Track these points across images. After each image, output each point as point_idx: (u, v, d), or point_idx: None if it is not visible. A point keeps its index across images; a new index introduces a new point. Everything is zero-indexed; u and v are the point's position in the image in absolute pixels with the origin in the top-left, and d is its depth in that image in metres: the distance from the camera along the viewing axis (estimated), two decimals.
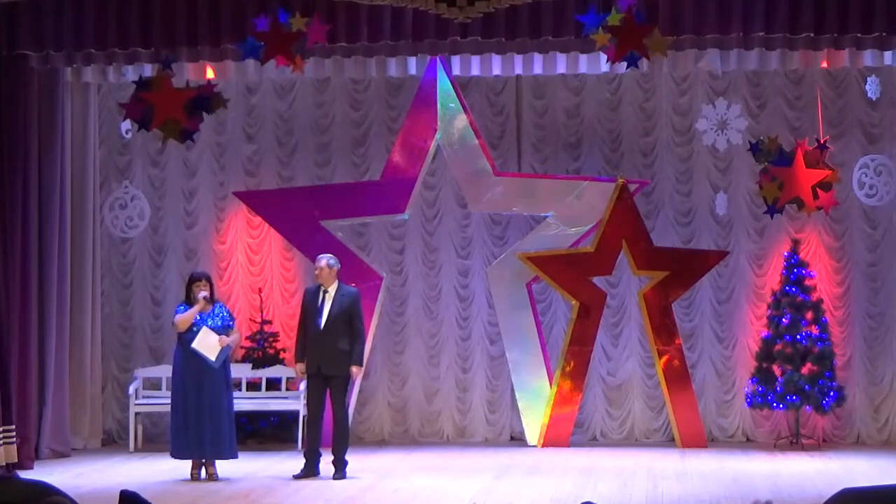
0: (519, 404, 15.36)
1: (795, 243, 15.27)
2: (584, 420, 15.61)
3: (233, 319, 13.17)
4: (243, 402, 14.62)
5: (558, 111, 15.80)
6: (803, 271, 15.07)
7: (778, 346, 14.86)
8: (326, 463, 12.99)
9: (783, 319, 14.91)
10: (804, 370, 14.74)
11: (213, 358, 12.69)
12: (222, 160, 15.98)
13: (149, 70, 13.41)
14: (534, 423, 15.19)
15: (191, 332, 12.75)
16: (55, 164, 14.36)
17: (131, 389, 15.11)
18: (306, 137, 15.93)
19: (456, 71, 15.01)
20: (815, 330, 14.87)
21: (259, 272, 15.96)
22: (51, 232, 14.32)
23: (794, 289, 14.97)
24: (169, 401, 13.26)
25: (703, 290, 15.55)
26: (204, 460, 12.90)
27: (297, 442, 14.65)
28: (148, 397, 15.21)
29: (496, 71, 14.74)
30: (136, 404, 15.04)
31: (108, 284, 15.88)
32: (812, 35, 13.02)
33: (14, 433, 13.50)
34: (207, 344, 12.72)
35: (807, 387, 14.64)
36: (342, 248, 15.00)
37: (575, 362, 15.11)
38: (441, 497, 11.97)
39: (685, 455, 14.47)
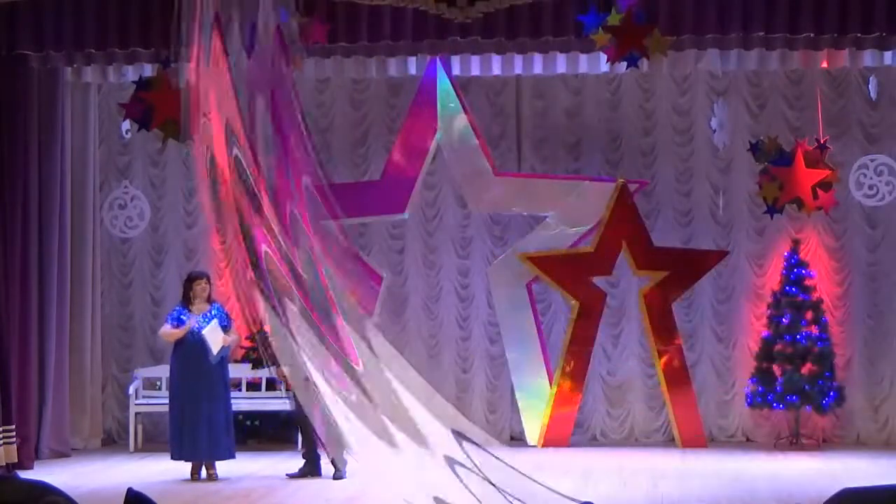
0: (519, 404, 15.35)
1: (795, 243, 15.26)
2: (584, 420, 15.60)
3: (230, 321, 13.16)
4: (243, 402, 14.65)
5: (558, 111, 15.78)
6: (803, 271, 15.06)
7: (778, 346, 14.85)
8: (327, 463, 12.99)
9: (783, 319, 14.90)
10: (804, 370, 14.72)
11: (214, 351, 12.72)
12: None
13: (149, 70, 13.41)
14: (534, 423, 15.18)
15: (189, 335, 12.79)
16: (55, 164, 14.35)
17: (131, 389, 15.12)
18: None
19: (456, 71, 14.99)
20: (814, 330, 14.86)
21: None
22: (51, 232, 14.31)
23: (794, 289, 14.96)
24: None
25: (703, 290, 15.53)
26: (203, 461, 12.92)
27: (297, 442, 14.61)
28: (148, 397, 15.21)
29: (496, 71, 14.74)
30: (136, 404, 15.05)
31: (107, 284, 15.88)
32: (812, 35, 13.03)
33: (14, 433, 13.50)
34: (214, 337, 12.75)
35: (807, 387, 14.64)
36: None
37: (575, 362, 15.11)
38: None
39: (685, 455, 14.47)
